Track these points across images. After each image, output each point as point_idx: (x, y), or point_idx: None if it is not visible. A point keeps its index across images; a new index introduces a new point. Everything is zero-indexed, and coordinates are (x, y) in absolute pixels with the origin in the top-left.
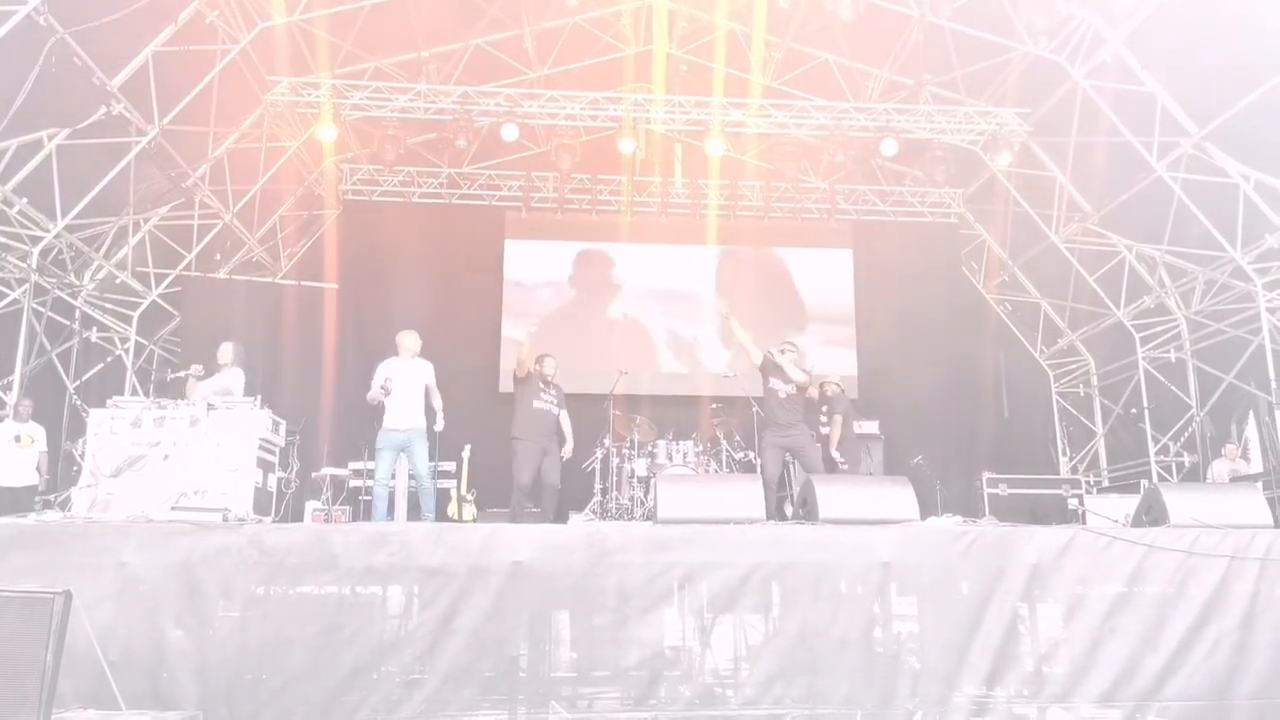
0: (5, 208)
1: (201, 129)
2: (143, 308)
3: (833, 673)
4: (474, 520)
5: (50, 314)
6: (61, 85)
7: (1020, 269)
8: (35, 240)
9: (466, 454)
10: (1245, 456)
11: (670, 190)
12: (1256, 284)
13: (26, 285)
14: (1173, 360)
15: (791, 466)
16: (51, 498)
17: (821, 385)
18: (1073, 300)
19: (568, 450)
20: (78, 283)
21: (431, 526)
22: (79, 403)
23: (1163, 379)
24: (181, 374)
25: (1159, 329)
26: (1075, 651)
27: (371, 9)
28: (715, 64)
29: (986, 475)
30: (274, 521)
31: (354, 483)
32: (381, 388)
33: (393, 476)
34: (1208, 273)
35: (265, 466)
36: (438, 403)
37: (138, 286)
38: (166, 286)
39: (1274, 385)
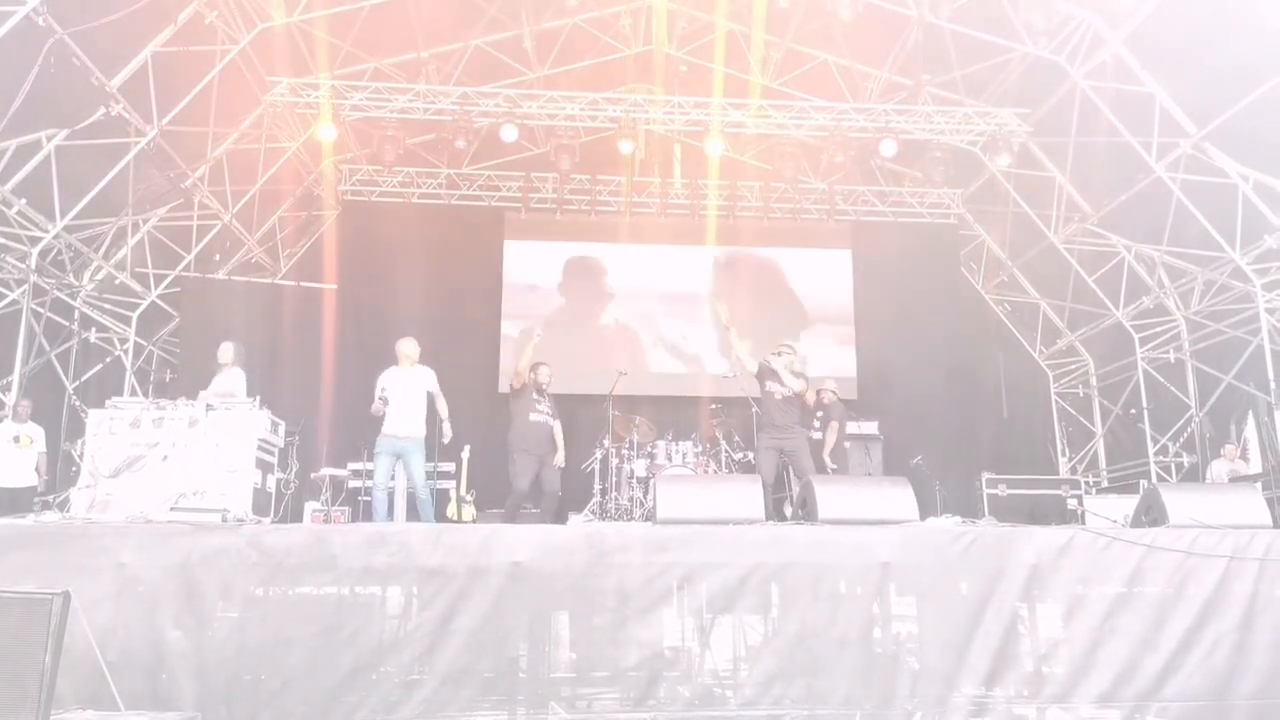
0: (4, 208)
1: (201, 129)
2: (142, 308)
3: (832, 673)
4: (473, 521)
5: (49, 314)
6: (60, 86)
7: (1019, 269)
8: (34, 241)
9: (466, 454)
10: (1244, 457)
11: (669, 191)
12: (1255, 284)
13: (25, 286)
14: (1172, 361)
15: (789, 468)
16: (50, 498)
17: (818, 392)
18: (1072, 301)
19: (559, 460)
20: (77, 283)
21: (430, 527)
22: (78, 403)
23: (1162, 379)
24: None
25: (1158, 329)
26: (1074, 652)
27: (371, 9)
28: (715, 64)
29: (986, 476)
30: (273, 522)
31: (353, 483)
32: (380, 398)
33: (392, 479)
34: (1207, 273)
35: (264, 467)
36: (443, 410)
37: (137, 287)
38: (166, 287)
39: (1273, 386)
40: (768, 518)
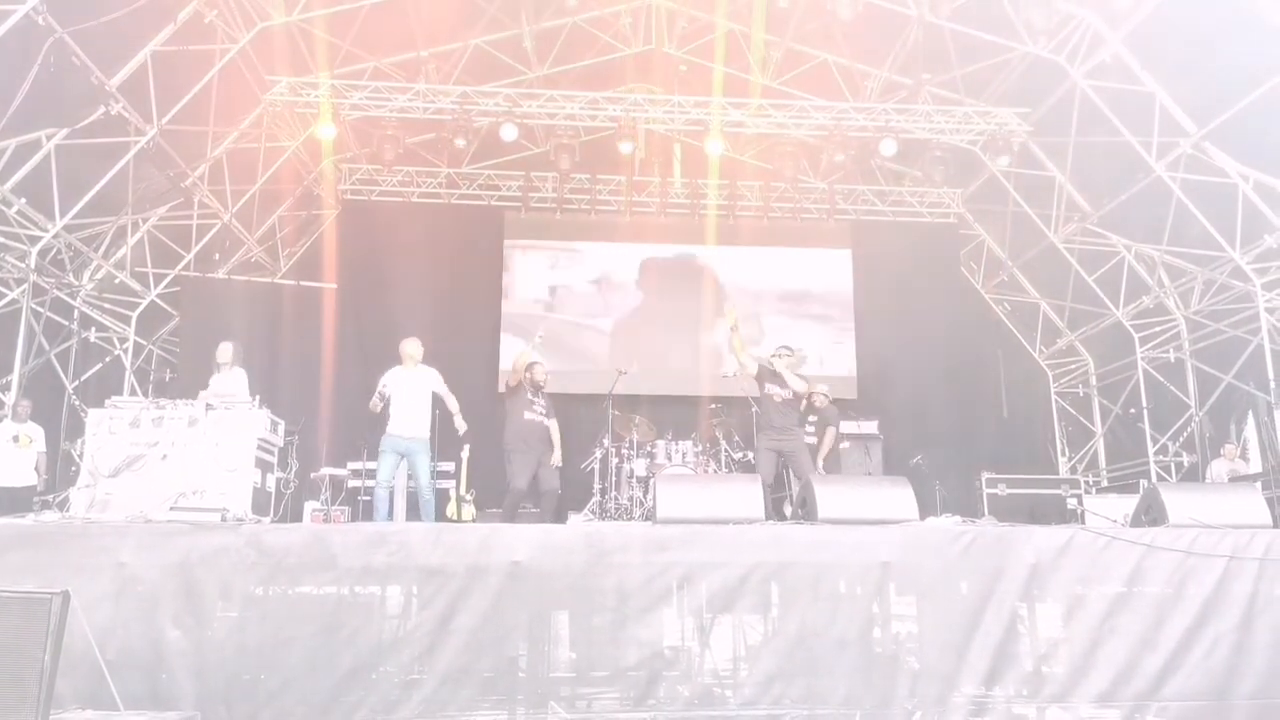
0: (4, 208)
1: (200, 129)
2: (141, 308)
3: (831, 673)
4: (473, 520)
5: (49, 314)
6: (60, 85)
7: (1019, 269)
8: (34, 240)
9: (465, 454)
10: (1244, 456)
11: (669, 190)
12: (1255, 284)
13: (25, 285)
14: (1172, 360)
15: (789, 468)
16: (50, 498)
17: (810, 396)
18: (1072, 300)
19: (555, 459)
20: (76, 283)
21: (430, 526)
22: (78, 403)
23: (1162, 379)
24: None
25: (1158, 329)
26: (1074, 651)
27: (371, 9)
28: (715, 64)
29: (985, 475)
30: (272, 522)
31: (353, 483)
32: (379, 394)
33: (392, 478)
34: (1207, 273)
35: (264, 467)
36: (453, 405)
37: (136, 286)
38: (165, 286)
39: (1273, 385)
40: (767, 517)
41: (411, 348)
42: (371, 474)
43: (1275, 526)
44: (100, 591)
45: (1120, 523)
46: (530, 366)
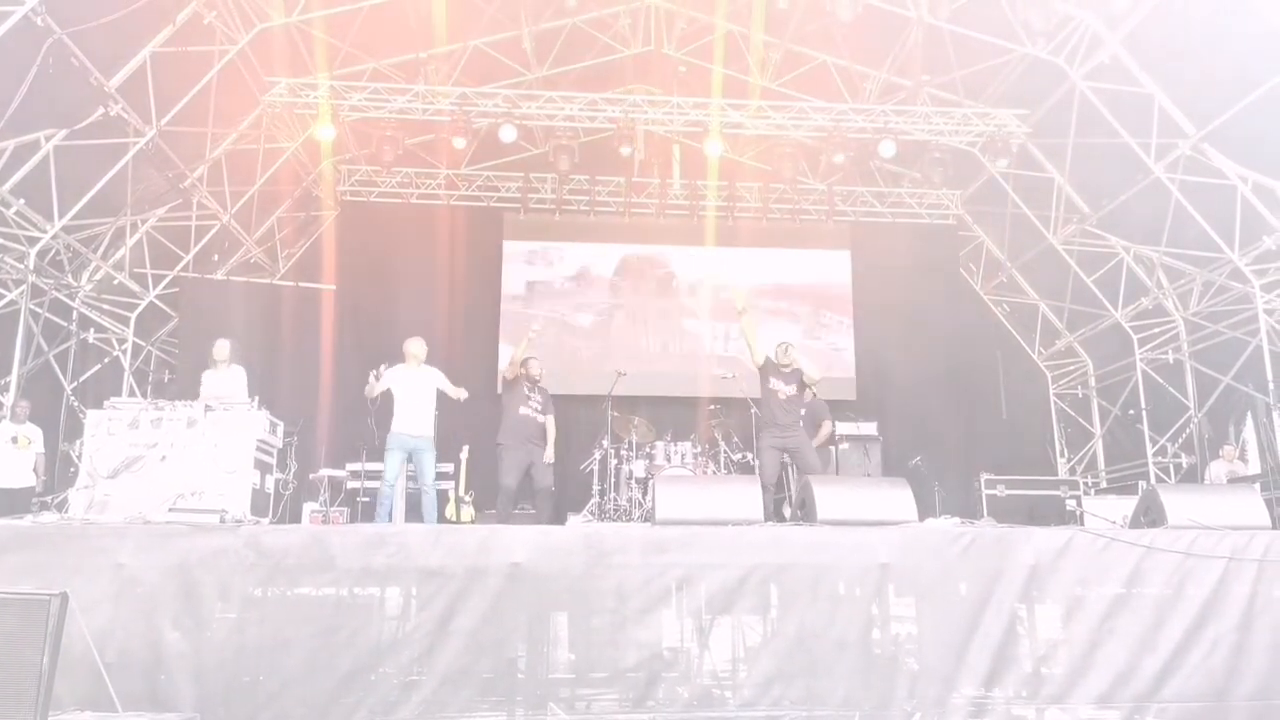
0: (2, 209)
1: (199, 130)
2: (140, 309)
3: (831, 674)
4: (472, 521)
5: (48, 315)
6: (59, 86)
7: (1018, 270)
8: (33, 241)
9: (465, 455)
10: (1243, 458)
11: (669, 191)
12: (1254, 285)
13: (24, 286)
14: (1170, 361)
15: (789, 468)
16: (49, 499)
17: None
18: (1071, 301)
19: (548, 455)
20: (75, 284)
21: (429, 528)
22: (76, 404)
23: (1161, 380)
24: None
25: (1157, 330)
26: (1073, 653)
27: (370, 10)
28: (714, 65)
29: (985, 476)
30: (271, 523)
31: (351, 484)
32: (374, 375)
33: (398, 477)
34: (1205, 274)
35: (263, 468)
36: (461, 394)
37: (135, 287)
38: (164, 287)
39: (1271, 387)
40: (766, 519)
41: (415, 347)
42: (370, 475)
43: (1274, 528)
44: (99, 593)
45: (1119, 524)
46: (526, 361)
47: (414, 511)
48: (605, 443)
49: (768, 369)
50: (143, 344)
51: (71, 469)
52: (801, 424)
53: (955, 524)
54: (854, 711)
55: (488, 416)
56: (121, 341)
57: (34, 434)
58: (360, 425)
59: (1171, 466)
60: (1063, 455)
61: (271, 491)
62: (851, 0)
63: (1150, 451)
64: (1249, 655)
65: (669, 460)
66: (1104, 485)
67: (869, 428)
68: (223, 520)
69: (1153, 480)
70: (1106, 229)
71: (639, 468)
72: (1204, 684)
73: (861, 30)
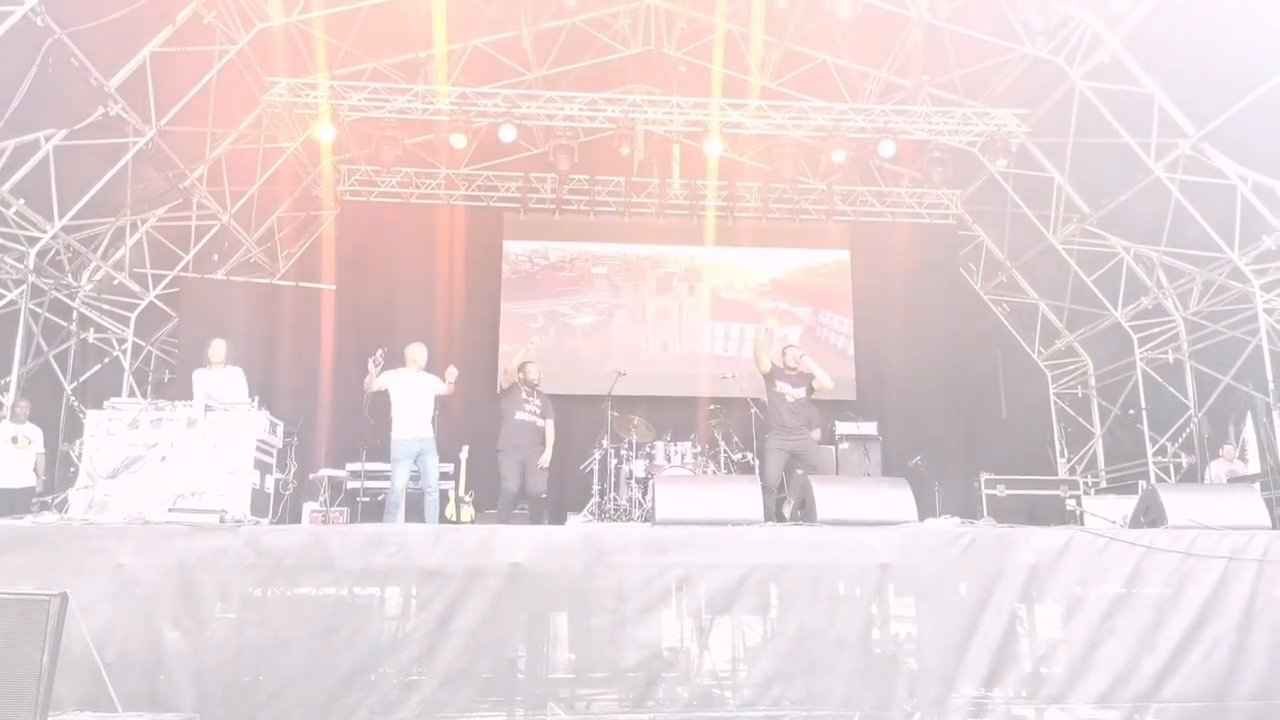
0: (2, 209)
1: (199, 130)
2: (140, 309)
3: (830, 674)
4: (472, 522)
5: (47, 315)
6: (59, 86)
7: (1018, 270)
8: (32, 241)
9: (465, 455)
10: (1243, 457)
11: (668, 191)
12: (1254, 285)
13: (24, 286)
14: (1170, 361)
15: (796, 469)
16: (48, 499)
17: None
18: (1070, 301)
19: (545, 459)
20: (75, 284)
21: (429, 528)
22: (76, 404)
23: (1160, 380)
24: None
25: (1157, 330)
26: (1073, 652)
27: (370, 10)
28: (714, 65)
29: (985, 476)
30: (271, 523)
31: (351, 484)
32: (373, 362)
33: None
34: (1205, 274)
35: (263, 468)
36: (451, 374)
37: (135, 287)
38: (164, 287)
39: (1271, 386)
40: (766, 519)
41: (416, 353)
42: (370, 475)
43: (1274, 528)
44: (99, 593)
45: (1119, 524)
46: (523, 366)
47: (415, 512)
48: (605, 442)
49: (774, 372)
50: (143, 344)
51: (71, 469)
52: (808, 426)
53: (955, 524)
54: (854, 711)
55: (487, 416)
56: (121, 341)
57: (34, 434)
58: (360, 425)
59: (1171, 466)
60: (1063, 455)
61: (271, 491)
62: (851, 0)
63: (1150, 451)
64: (1249, 655)
65: (669, 460)
66: (1104, 485)
67: (869, 427)
68: (222, 520)
69: (1153, 480)
70: (1106, 229)
71: (639, 468)
72: (1204, 684)
73: (861, 30)
